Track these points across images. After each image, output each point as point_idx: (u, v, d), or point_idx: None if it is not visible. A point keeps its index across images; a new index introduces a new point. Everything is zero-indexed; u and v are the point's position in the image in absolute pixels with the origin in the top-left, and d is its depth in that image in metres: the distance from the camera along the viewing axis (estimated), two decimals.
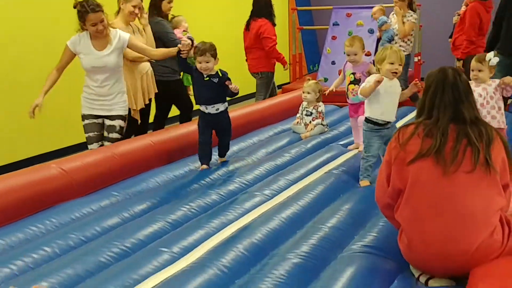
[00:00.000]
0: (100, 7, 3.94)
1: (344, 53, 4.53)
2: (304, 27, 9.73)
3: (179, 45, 3.86)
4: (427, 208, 2.22)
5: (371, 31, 7.64)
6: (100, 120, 4.18)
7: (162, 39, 5.01)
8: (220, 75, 3.78)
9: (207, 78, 3.77)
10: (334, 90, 4.60)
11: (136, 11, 4.56)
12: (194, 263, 2.47)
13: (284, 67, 6.50)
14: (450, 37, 6.71)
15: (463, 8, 6.34)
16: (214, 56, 3.75)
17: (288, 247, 2.62)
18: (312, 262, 2.46)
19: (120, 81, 4.17)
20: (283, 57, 6.44)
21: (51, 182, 3.28)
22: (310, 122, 4.87)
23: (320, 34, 10.54)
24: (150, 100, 4.86)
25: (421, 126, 2.30)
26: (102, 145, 4.15)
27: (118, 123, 4.16)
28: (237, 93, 3.79)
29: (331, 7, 8.90)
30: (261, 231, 2.77)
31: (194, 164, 4.01)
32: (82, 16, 3.92)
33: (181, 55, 3.82)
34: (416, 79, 3.58)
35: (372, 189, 3.15)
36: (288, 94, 6.36)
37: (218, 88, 3.78)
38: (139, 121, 4.75)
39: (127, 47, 4.14)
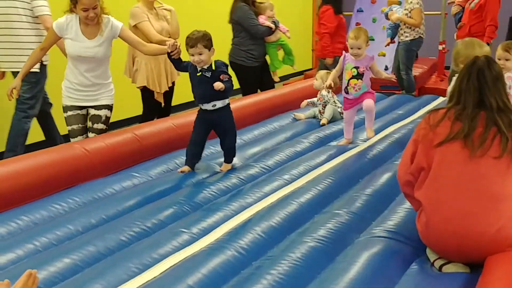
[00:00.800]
0: None
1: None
2: None
3: (167, 46, 3.50)
4: (451, 187, 2.26)
5: None
6: (84, 111, 3.91)
7: (242, 24, 5.29)
8: (214, 67, 3.37)
9: (199, 73, 3.38)
10: (333, 84, 4.14)
11: None
12: (213, 244, 2.51)
13: (325, 60, 6.48)
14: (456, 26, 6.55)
15: None
16: (208, 46, 3.32)
17: (305, 230, 2.65)
18: (329, 246, 2.48)
19: (107, 69, 3.91)
20: (328, 51, 6.39)
21: (74, 161, 3.34)
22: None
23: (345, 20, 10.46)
24: (173, 83, 4.88)
25: (452, 110, 2.34)
26: (86, 137, 3.91)
27: (104, 113, 3.90)
28: (227, 90, 3.36)
29: None
30: (279, 214, 2.80)
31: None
32: None
33: (172, 56, 3.50)
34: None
35: (392, 177, 3.19)
36: (309, 80, 6.35)
37: (214, 83, 3.32)
38: (163, 104, 4.81)
39: (119, 37, 3.87)
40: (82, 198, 3.08)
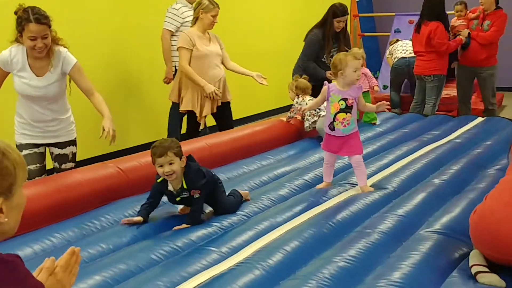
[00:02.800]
0: (47, 19, 3.20)
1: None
2: (366, 34, 9.68)
3: None
4: None
5: None
6: (42, 149, 3.51)
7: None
8: (185, 186, 2.96)
9: (179, 198, 3.02)
10: (307, 108, 4.08)
11: (215, 20, 4.75)
12: (241, 262, 2.51)
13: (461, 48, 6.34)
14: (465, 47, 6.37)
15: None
16: (179, 154, 2.92)
17: (335, 250, 2.62)
18: (357, 266, 2.45)
19: (64, 103, 3.52)
20: (455, 45, 6.24)
21: (108, 180, 3.40)
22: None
23: (381, 41, 10.45)
24: (224, 103, 4.99)
25: None
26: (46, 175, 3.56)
27: (70, 150, 3.58)
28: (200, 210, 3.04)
29: (393, 14, 8.84)
30: (309, 233, 2.78)
31: (249, 166, 4.07)
32: (21, 24, 3.16)
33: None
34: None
35: (427, 197, 3.17)
36: None
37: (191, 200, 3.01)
38: (202, 127, 4.94)
39: (69, 75, 3.42)
40: (114, 216, 3.11)
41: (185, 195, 2.97)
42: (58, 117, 3.47)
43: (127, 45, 6.11)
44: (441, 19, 6.02)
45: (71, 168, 3.58)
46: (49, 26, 3.22)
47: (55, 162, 3.57)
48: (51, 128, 3.46)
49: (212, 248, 2.66)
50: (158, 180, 3.02)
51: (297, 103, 4.91)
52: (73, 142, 3.60)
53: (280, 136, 4.87)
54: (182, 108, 4.86)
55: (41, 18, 3.15)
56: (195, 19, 4.79)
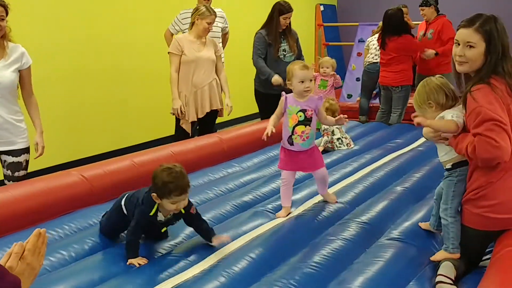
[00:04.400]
0: (4, 3, 3.28)
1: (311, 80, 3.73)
2: (330, 43, 9.79)
3: None
4: None
5: None
6: None
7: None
8: (183, 211, 2.70)
9: (165, 229, 2.81)
10: (273, 131, 3.17)
11: (210, 28, 4.87)
12: (206, 269, 2.52)
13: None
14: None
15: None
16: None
17: (300, 257, 2.65)
18: (321, 273, 2.48)
19: (16, 104, 3.47)
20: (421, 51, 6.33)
21: (71, 188, 3.36)
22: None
23: (346, 50, 10.59)
24: (212, 112, 5.03)
25: None
26: None
27: (24, 158, 3.51)
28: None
29: (357, 23, 8.95)
30: (273, 240, 2.82)
31: (214, 174, 4.09)
32: None
33: None
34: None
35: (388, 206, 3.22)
36: None
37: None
38: (190, 134, 4.99)
39: (19, 71, 3.43)
40: (77, 224, 3.08)
41: (173, 223, 2.77)
42: (11, 120, 3.41)
43: (122, 44, 6.30)
44: (406, 31, 6.17)
45: (24, 176, 3.52)
46: (6, 11, 3.28)
47: (7, 170, 3.48)
48: (5, 134, 3.39)
49: (177, 256, 2.66)
50: (151, 213, 2.65)
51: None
52: (27, 150, 3.55)
53: (248, 143, 4.89)
54: (171, 111, 4.92)
55: None
56: (191, 24, 4.89)
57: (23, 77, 3.47)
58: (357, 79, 7.97)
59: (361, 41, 8.55)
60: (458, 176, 2.58)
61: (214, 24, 5.31)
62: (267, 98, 5.44)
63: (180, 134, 5.00)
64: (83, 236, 2.90)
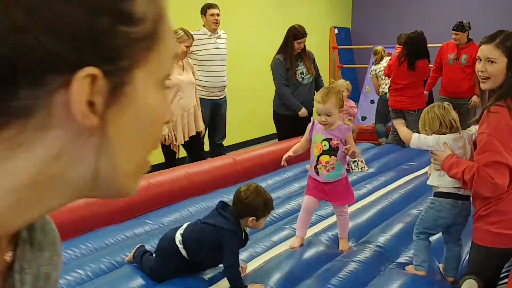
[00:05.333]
0: None
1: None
2: (344, 65, 9.84)
3: None
4: None
5: None
6: None
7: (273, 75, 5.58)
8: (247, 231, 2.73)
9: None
10: (291, 155, 3.21)
11: (188, 51, 4.88)
12: None
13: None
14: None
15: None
16: None
17: (316, 279, 2.65)
18: None
19: None
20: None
21: (89, 208, 3.39)
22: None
23: (360, 72, 10.63)
24: (197, 134, 5.02)
25: None
26: None
27: None
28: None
29: (371, 46, 8.98)
30: (288, 265, 2.81)
31: (229, 195, 4.09)
32: None
33: None
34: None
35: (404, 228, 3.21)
36: None
37: None
38: (177, 155, 4.96)
39: None
40: (94, 244, 3.11)
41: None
42: None
43: None
44: (426, 56, 6.23)
45: None
46: None
47: None
48: None
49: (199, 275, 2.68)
50: (244, 238, 2.67)
51: None
52: None
53: (262, 165, 4.93)
54: None
55: None
56: None
57: None
58: (371, 101, 7.99)
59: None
60: (434, 205, 2.70)
61: (221, 46, 5.40)
62: (286, 120, 5.49)
63: (170, 159, 4.97)
64: (99, 255, 2.92)
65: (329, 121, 2.97)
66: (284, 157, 3.17)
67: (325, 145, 3.01)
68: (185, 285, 2.60)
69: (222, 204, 2.73)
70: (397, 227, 3.35)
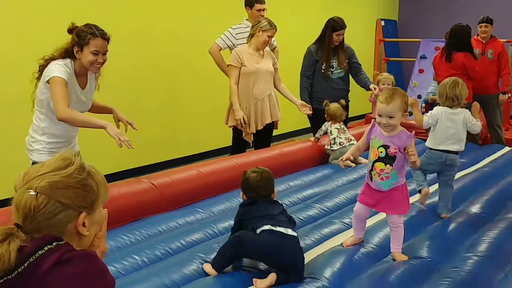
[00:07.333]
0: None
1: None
2: (391, 59, 9.71)
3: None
4: None
5: None
6: None
7: None
8: None
9: None
10: (351, 158, 3.07)
11: (270, 41, 4.95)
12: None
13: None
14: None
15: None
16: None
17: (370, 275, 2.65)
18: None
19: (37, 119, 3.38)
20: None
21: (142, 195, 3.46)
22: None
23: (406, 66, 10.48)
24: (272, 123, 5.10)
25: None
26: None
27: None
28: None
29: (419, 39, 8.86)
30: (339, 259, 2.82)
31: (276, 186, 4.11)
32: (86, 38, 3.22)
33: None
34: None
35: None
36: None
37: None
38: (251, 144, 5.08)
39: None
40: (147, 230, 3.17)
41: None
42: (75, 132, 3.51)
43: (176, 55, 6.46)
44: (469, 49, 6.08)
45: None
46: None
47: None
48: (72, 143, 3.52)
49: (247, 267, 2.71)
50: None
51: (324, 126, 5.01)
52: None
53: (307, 158, 4.93)
54: (229, 123, 4.99)
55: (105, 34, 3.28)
56: (251, 36, 4.92)
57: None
58: (419, 96, 7.87)
59: (423, 57, 8.47)
60: (426, 154, 3.66)
61: None
62: (321, 113, 5.37)
63: (237, 146, 5.06)
64: (154, 242, 2.98)
65: (390, 124, 2.77)
66: (344, 158, 3.04)
67: (381, 152, 2.82)
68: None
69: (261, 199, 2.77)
70: (453, 225, 3.31)
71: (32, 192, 1.31)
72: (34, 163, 3.32)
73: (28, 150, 3.39)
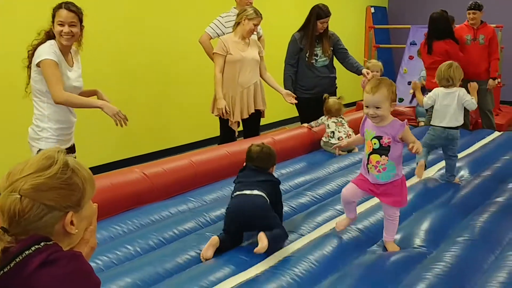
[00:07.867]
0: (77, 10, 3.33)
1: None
2: (381, 45, 9.71)
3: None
4: None
5: None
6: None
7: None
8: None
9: None
10: (345, 144, 3.33)
11: (256, 29, 4.92)
12: (267, 270, 2.58)
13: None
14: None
15: None
16: None
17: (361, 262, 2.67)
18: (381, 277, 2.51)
19: (37, 105, 3.38)
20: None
21: (134, 185, 3.46)
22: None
23: (396, 53, 10.50)
24: (257, 112, 5.06)
25: None
26: None
27: (75, 154, 3.58)
28: None
29: (409, 26, 8.86)
30: (332, 244, 2.84)
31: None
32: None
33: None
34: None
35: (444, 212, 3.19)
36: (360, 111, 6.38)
37: None
38: (237, 133, 5.04)
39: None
40: (140, 220, 3.18)
41: None
42: (74, 118, 3.51)
43: (166, 45, 6.43)
44: (450, 35, 6.13)
45: None
46: (79, 18, 3.31)
47: None
48: (73, 129, 3.53)
49: (240, 256, 2.72)
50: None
51: (321, 119, 5.05)
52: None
53: (298, 146, 4.94)
54: (215, 112, 4.94)
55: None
56: (237, 24, 4.88)
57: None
58: (409, 83, 7.88)
59: (413, 43, 8.48)
60: (430, 131, 4.16)
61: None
62: (307, 102, 5.38)
63: (225, 135, 5.03)
64: (146, 231, 2.99)
65: (378, 115, 2.68)
66: (337, 145, 3.30)
67: (375, 143, 2.75)
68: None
69: (248, 167, 3.05)
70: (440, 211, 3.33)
71: (16, 195, 1.29)
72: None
73: (34, 139, 3.37)
